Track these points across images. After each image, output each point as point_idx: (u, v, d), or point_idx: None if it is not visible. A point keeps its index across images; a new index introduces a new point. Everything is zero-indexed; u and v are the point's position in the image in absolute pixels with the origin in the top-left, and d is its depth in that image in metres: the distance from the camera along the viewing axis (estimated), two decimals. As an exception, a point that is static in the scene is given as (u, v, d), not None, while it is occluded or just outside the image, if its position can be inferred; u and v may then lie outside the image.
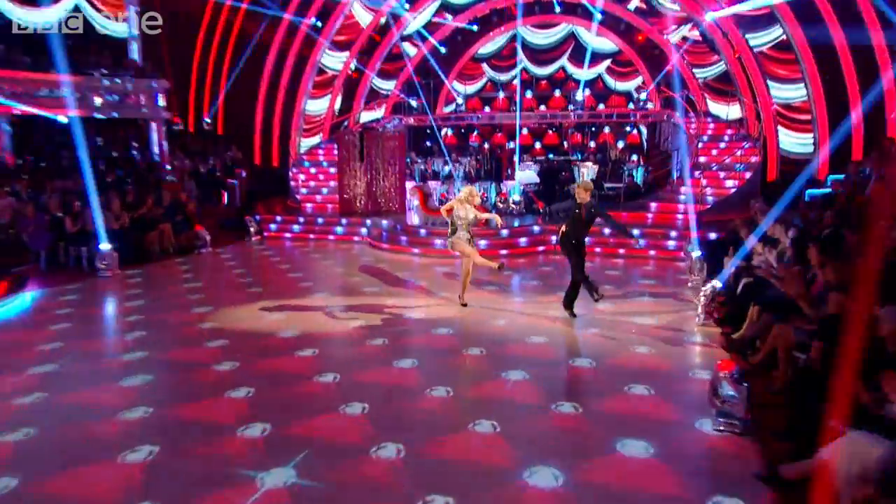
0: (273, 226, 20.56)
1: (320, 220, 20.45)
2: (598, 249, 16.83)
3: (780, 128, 21.49)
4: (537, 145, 30.60)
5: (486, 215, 11.35)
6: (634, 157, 26.31)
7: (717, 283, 10.24)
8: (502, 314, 10.95)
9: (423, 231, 17.96)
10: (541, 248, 17.32)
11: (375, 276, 14.15)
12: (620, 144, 29.22)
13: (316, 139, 25.95)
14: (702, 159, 20.80)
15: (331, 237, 19.86)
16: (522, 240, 17.55)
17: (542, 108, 30.67)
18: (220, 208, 22.19)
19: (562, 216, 10.37)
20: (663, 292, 12.52)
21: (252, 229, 19.88)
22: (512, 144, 28.74)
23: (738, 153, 20.16)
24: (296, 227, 20.42)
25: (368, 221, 19.84)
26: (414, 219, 19.18)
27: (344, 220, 20.26)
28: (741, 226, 11.94)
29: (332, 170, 23.10)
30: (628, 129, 30.20)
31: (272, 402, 7.47)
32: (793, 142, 21.86)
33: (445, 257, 16.15)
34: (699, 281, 12.07)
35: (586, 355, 8.95)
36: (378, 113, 27.82)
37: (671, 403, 7.40)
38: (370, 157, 21.10)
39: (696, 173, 20.06)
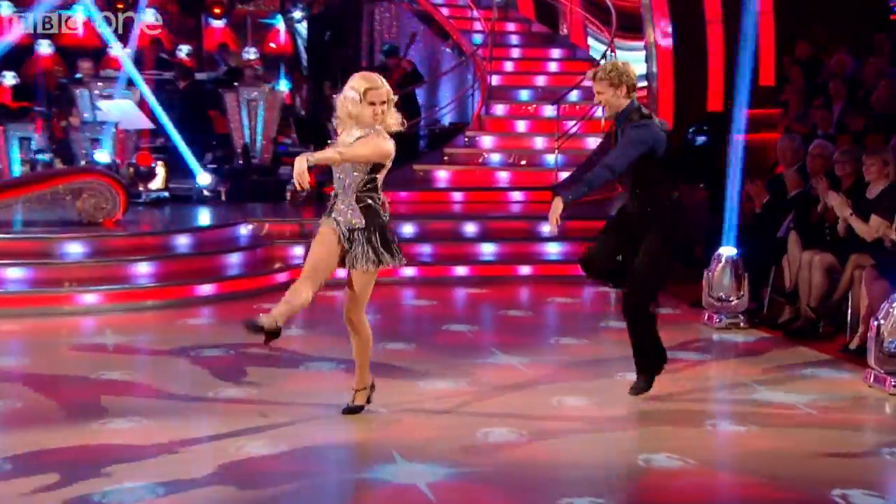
0: None
1: None
2: (410, 272, 8.62)
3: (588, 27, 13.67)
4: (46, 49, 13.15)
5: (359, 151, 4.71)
6: (286, 87, 13.78)
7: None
8: (443, 416, 5.20)
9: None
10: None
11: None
12: (253, 56, 14.32)
13: None
14: (494, 80, 12.43)
15: None
16: (233, 259, 8.69)
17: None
18: None
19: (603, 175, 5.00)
20: (690, 341, 7.10)
21: None
22: None
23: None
24: None
25: None
26: None
27: None
28: (811, 182, 7.72)
29: None
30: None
31: None
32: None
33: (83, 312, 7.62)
34: (736, 303, 7.55)
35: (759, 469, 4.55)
36: None
37: None
38: None
39: (500, 109, 11.95)
